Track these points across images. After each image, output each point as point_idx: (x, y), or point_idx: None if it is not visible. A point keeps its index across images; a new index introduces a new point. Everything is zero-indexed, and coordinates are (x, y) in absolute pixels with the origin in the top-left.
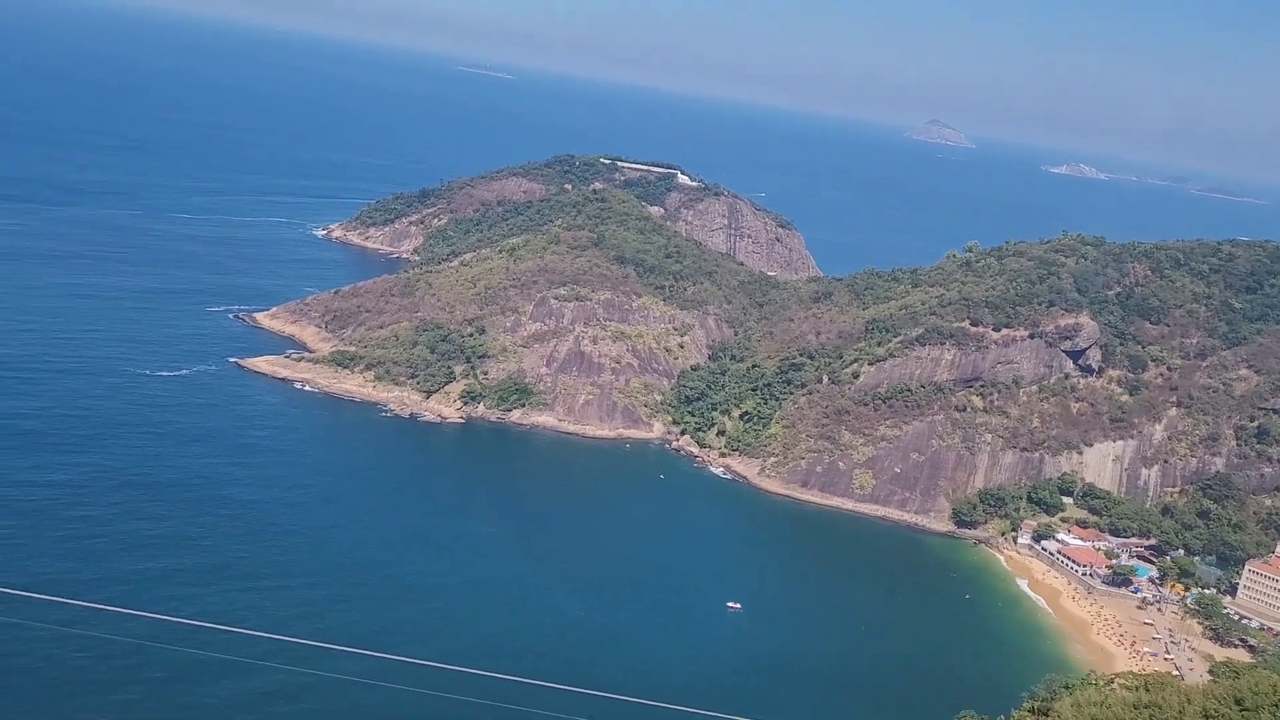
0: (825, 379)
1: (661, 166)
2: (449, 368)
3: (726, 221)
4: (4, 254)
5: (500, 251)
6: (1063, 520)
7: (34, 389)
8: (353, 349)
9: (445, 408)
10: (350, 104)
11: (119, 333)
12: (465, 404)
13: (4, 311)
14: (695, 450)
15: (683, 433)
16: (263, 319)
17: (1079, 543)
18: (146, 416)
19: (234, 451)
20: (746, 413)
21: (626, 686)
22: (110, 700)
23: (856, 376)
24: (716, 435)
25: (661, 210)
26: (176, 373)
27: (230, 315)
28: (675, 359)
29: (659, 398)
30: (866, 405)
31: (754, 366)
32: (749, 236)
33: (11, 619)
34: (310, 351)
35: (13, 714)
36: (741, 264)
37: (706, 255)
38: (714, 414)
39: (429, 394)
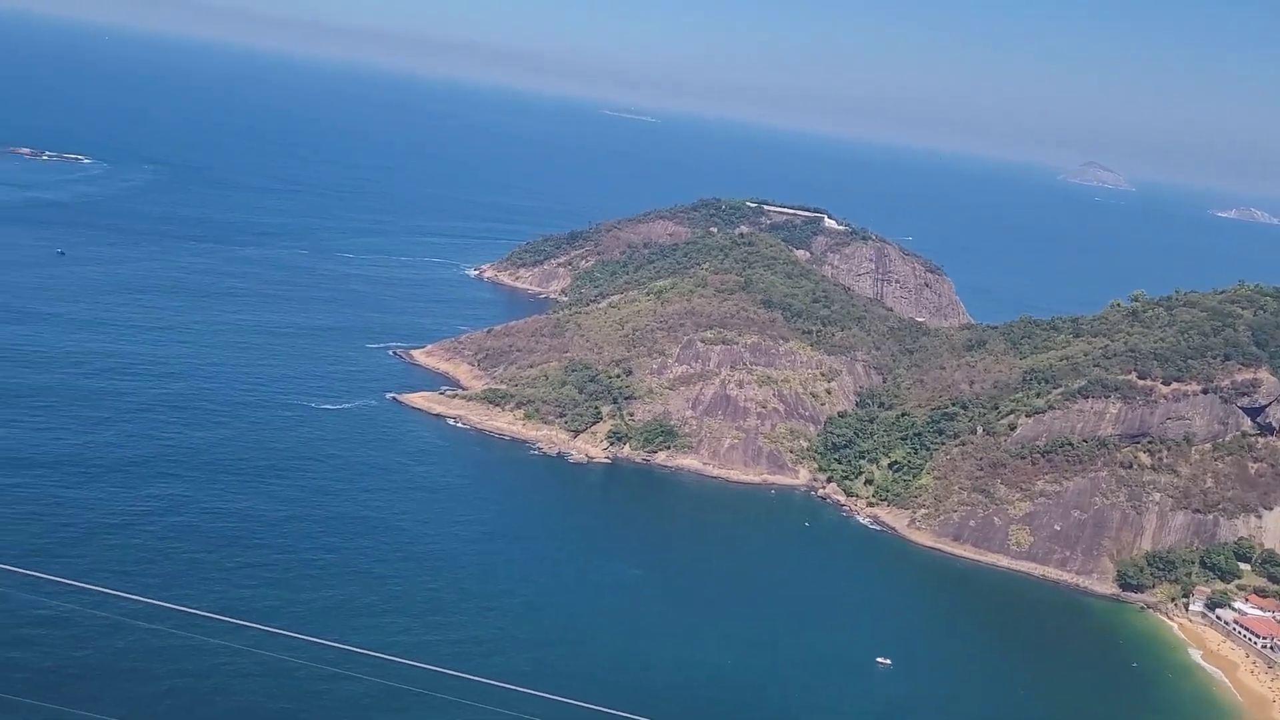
0: (980, 430)
1: (808, 210)
2: (596, 408)
3: (874, 266)
4: (191, 292)
5: (648, 294)
6: (1239, 588)
7: (216, 420)
8: (504, 387)
9: (592, 448)
10: (500, 148)
11: (290, 367)
12: (611, 444)
13: (190, 347)
14: (842, 499)
15: (829, 480)
16: (419, 356)
17: (1258, 613)
18: (315, 449)
19: (395, 485)
20: (896, 462)
21: None
22: None
23: (1013, 428)
24: (864, 484)
25: (808, 254)
26: (340, 406)
27: (389, 352)
28: (822, 405)
29: (805, 444)
30: (1024, 458)
31: (904, 415)
32: (897, 281)
33: (206, 639)
34: (463, 388)
35: None
36: (890, 309)
37: (855, 300)
38: (862, 462)
39: (576, 433)
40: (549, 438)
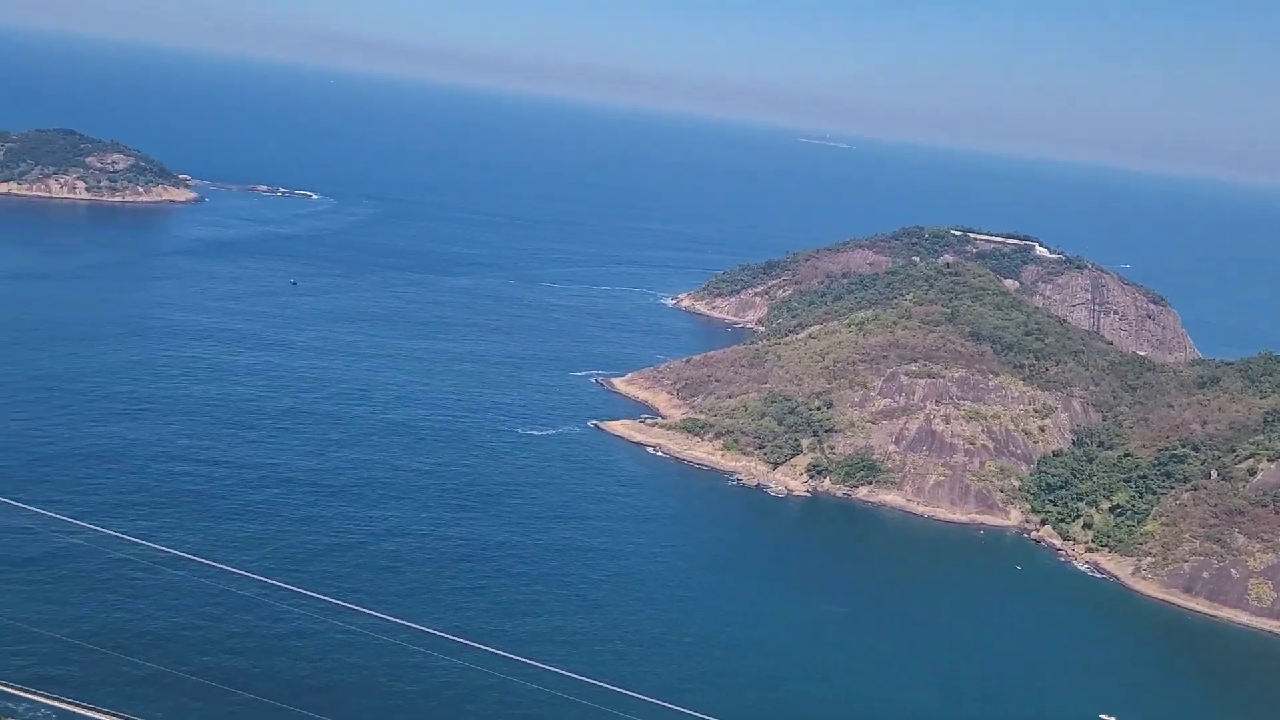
0: (1214, 474)
1: (1017, 238)
2: (796, 440)
3: (1090, 296)
4: (409, 321)
5: (849, 325)
6: None
7: (436, 445)
8: (702, 417)
9: (791, 480)
10: (696, 178)
11: (500, 394)
12: (811, 478)
13: (409, 374)
14: (1057, 543)
15: (1043, 522)
16: (619, 384)
17: None
18: (523, 475)
19: (599, 513)
20: (1118, 505)
21: None
22: None
23: (1253, 474)
24: (1082, 528)
25: (1017, 284)
26: (545, 432)
27: (591, 380)
28: (1035, 443)
29: (1016, 483)
30: (1265, 507)
31: (1126, 455)
32: (1116, 313)
33: (435, 655)
34: (663, 417)
35: None
36: (1110, 343)
37: (1071, 333)
38: (1079, 504)
39: (775, 465)
40: (748, 469)
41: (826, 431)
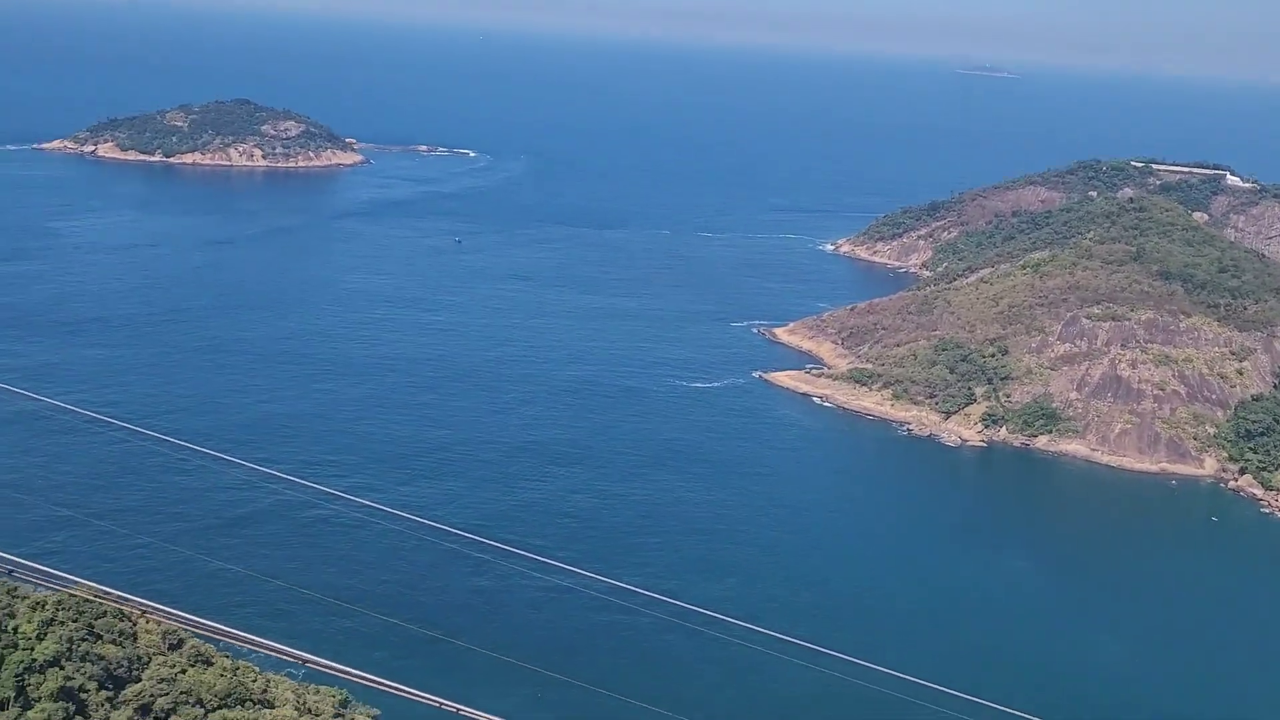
0: None
1: (1206, 168)
2: (969, 389)
3: None
4: (572, 278)
5: (1024, 267)
6: None
7: (603, 403)
8: (870, 366)
9: (965, 430)
10: (845, 115)
11: (665, 349)
12: (986, 427)
13: (577, 332)
14: (1259, 493)
15: (1242, 471)
16: (781, 334)
17: None
18: (698, 431)
19: (773, 466)
20: None
21: None
22: None
23: None
24: None
25: (1206, 217)
26: (711, 385)
27: (753, 330)
28: (1232, 387)
29: (1212, 430)
30: None
31: None
32: None
33: (641, 609)
34: (828, 367)
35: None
36: None
37: (1271, 268)
38: None
39: (948, 415)
40: (919, 419)
41: (1002, 379)
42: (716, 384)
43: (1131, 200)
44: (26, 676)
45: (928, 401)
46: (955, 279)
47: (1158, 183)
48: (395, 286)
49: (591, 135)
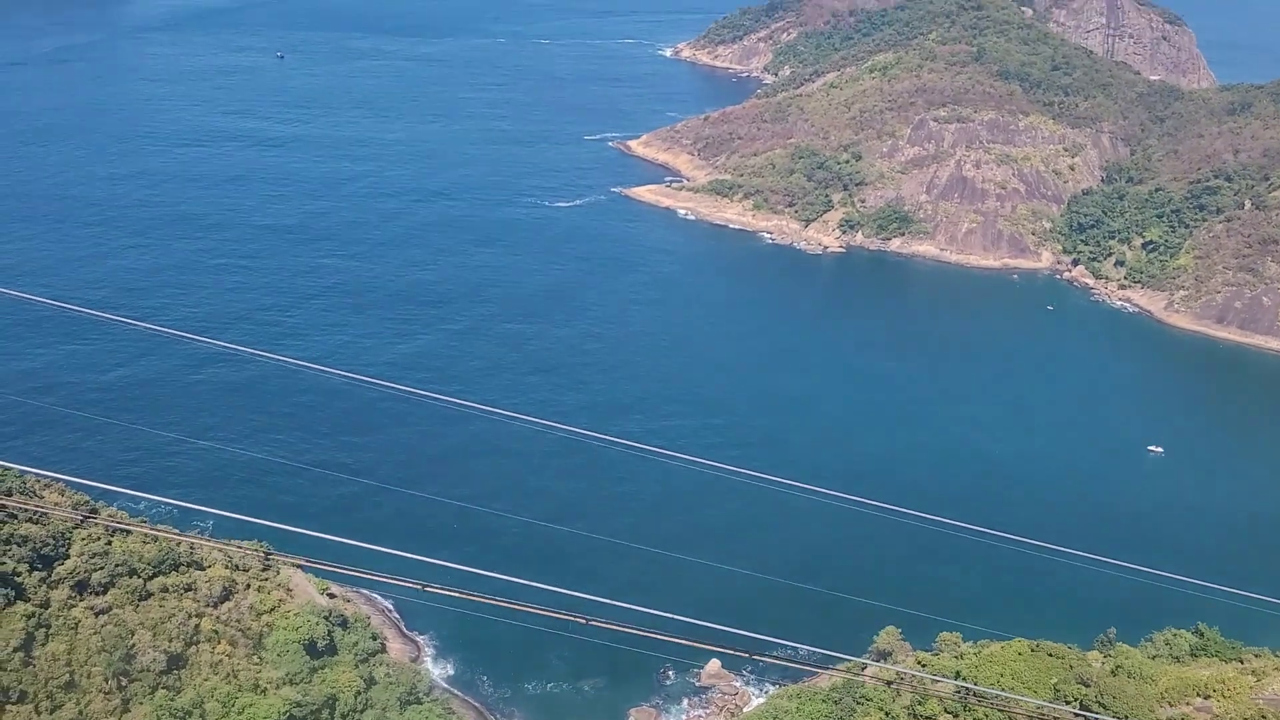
0: (1248, 204)
1: None
2: (826, 196)
3: (1104, 20)
4: (406, 98)
5: (870, 71)
6: None
7: (476, 233)
8: (729, 177)
9: (825, 236)
10: None
11: (516, 169)
12: (844, 233)
13: (425, 163)
14: (1090, 282)
15: (1075, 263)
16: (636, 146)
17: None
18: (565, 248)
19: (646, 281)
20: (1150, 241)
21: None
22: None
23: None
24: (1114, 266)
25: (1030, 11)
26: (573, 203)
27: (607, 144)
28: (1065, 183)
29: (1048, 225)
30: None
31: (1158, 190)
32: (1130, 36)
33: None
34: (686, 179)
35: None
36: (1138, 74)
37: (1099, 65)
38: (1111, 243)
39: (808, 223)
40: (780, 228)
41: (857, 185)
42: (578, 201)
43: None
44: None
45: (788, 210)
46: (803, 84)
47: None
48: (224, 118)
49: None
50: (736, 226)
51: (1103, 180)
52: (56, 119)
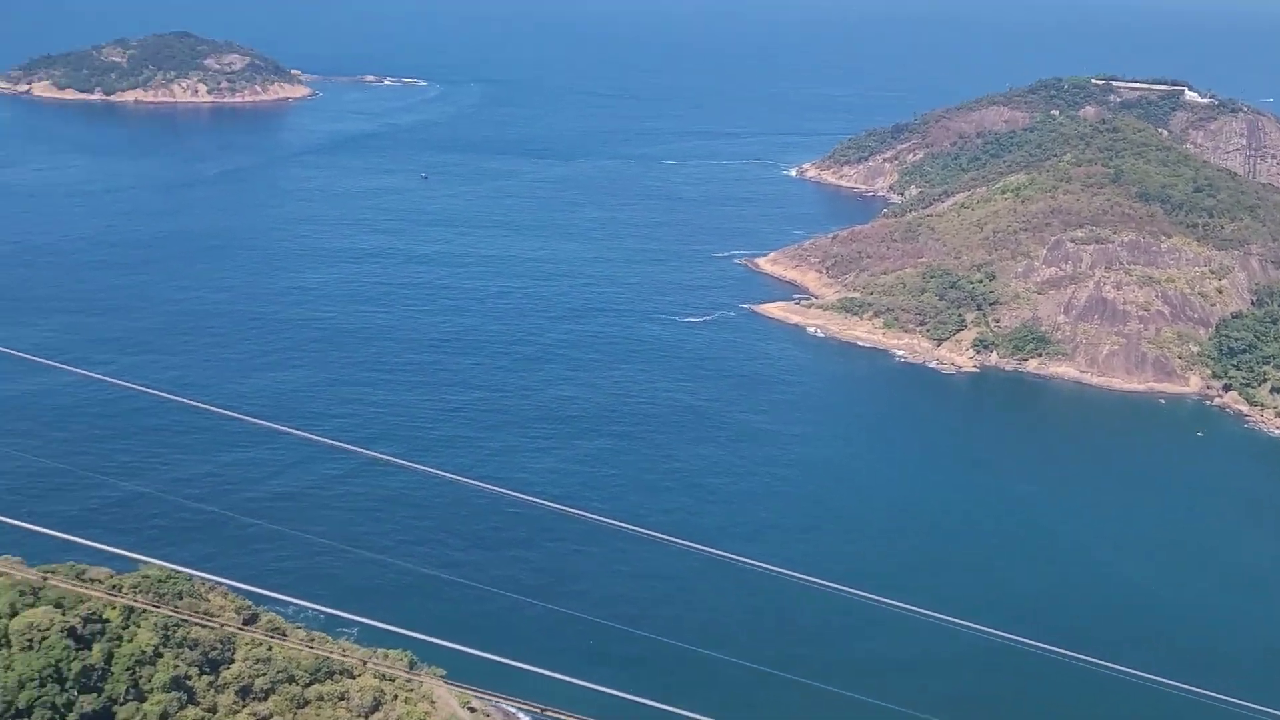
0: None
1: (1165, 84)
2: (959, 315)
3: (1245, 141)
4: (542, 212)
5: (1003, 192)
6: None
7: (606, 347)
8: (858, 295)
9: (958, 356)
10: (791, 36)
11: (646, 284)
12: (978, 352)
13: (559, 275)
14: (1244, 408)
15: (1226, 388)
16: (764, 264)
17: None
18: (698, 364)
19: (778, 397)
20: None
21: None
22: None
23: None
24: (1270, 393)
25: (1166, 133)
26: (701, 318)
27: (734, 261)
28: (1213, 306)
29: (1195, 349)
30: None
31: None
32: (1273, 157)
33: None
34: (815, 297)
35: None
36: None
37: (1244, 186)
38: (1266, 368)
39: (940, 341)
40: (911, 346)
41: (990, 304)
42: (707, 317)
43: (1105, 121)
44: (137, 669)
45: (919, 329)
46: (932, 204)
47: (1118, 100)
48: (373, 236)
49: (542, 58)
50: (867, 344)
51: (1253, 304)
52: (220, 239)
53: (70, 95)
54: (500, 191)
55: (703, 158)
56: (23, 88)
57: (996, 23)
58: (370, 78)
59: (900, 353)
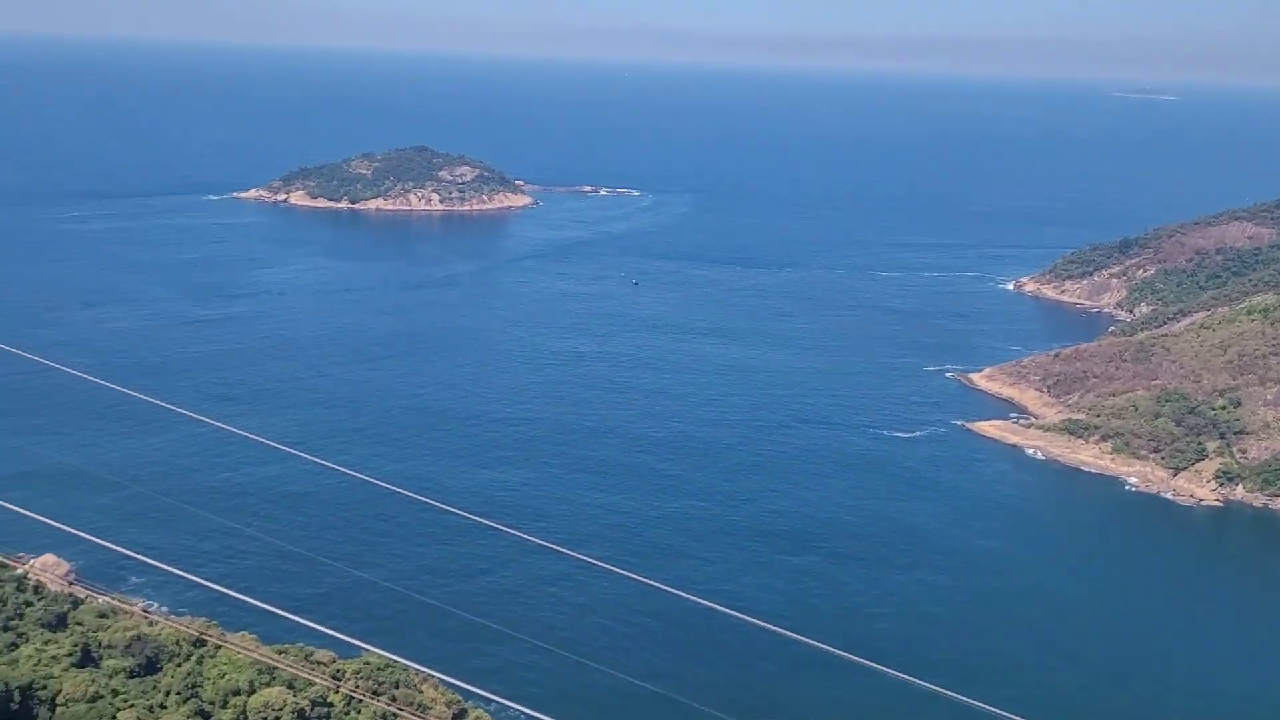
0: None
1: None
2: (1199, 443)
3: None
4: (750, 318)
5: (1249, 312)
6: None
7: (815, 467)
8: (1083, 417)
9: (1197, 488)
10: (1004, 143)
11: (853, 395)
12: (1221, 485)
13: (767, 382)
14: None
15: None
16: (978, 380)
17: None
18: (903, 484)
19: (996, 526)
20: None
21: None
22: None
23: None
24: None
25: None
26: (911, 434)
27: (946, 375)
28: None
29: None
30: None
31: None
32: None
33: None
34: (1034, 416)
35: None
36: None
37: None
38: None
39: (1176, 471)
40: (1144, 474)
41: (1236, 433)
42: (917, 433)
43: None
44: None
45: (1152, 456)
46: (1166, 324)
47: None
48: (587, 340)
49: (752, 169)
50: (1093, 469)
51: None
52: (444, 339)
53: (321, 203)
54: (709, 299)
55: (913, 269)
56: (281, 196)
57: (1229, 132)
58: (587, 188)
59: (1132, 481)
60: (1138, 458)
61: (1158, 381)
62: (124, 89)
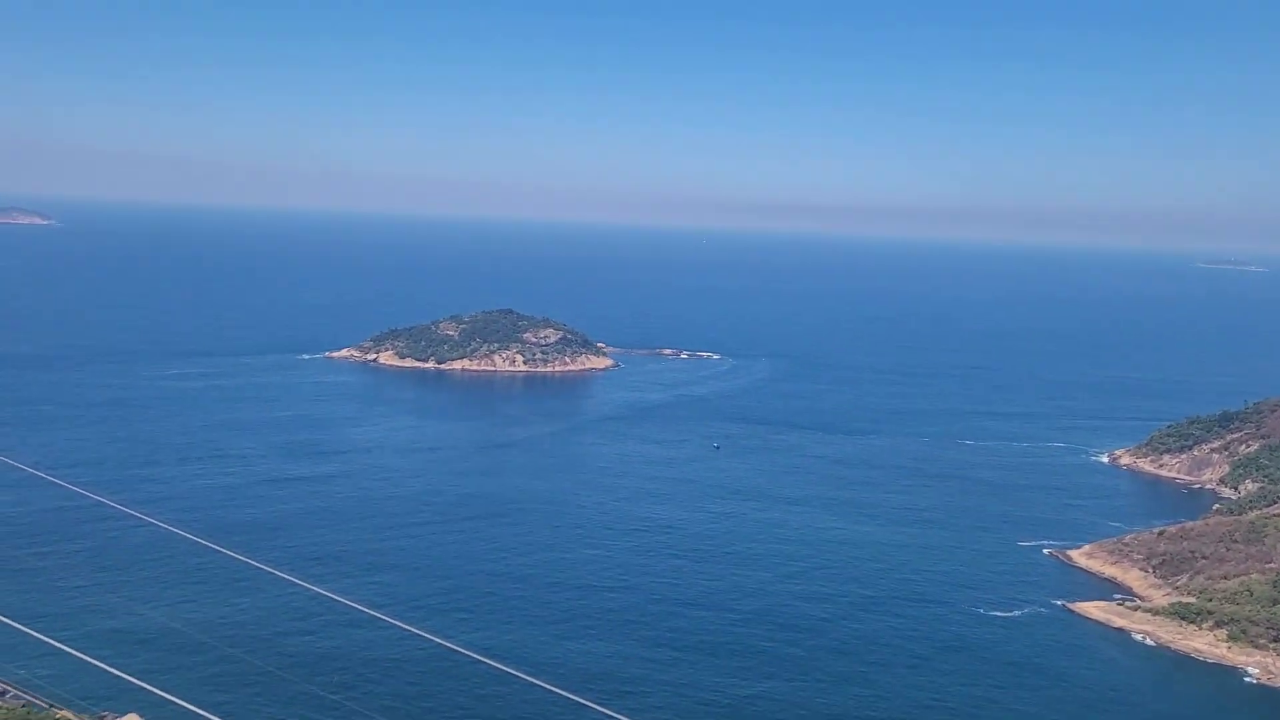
0: None
1: None
2: None
3: None
4: (834, 488)
5: None
6: None
7: (911, 648)
8: (1193, 600)
9: None
10: (1095, 315)
11: (946, 569)
12: None
13: (857, 554)
14: None
15: None
16: (1077, 557)
17: None
18: (1002, 668)
19: (1110, 715)
20: None
21: None
22: None
23: None
24: None
25: None
26: (1009, 614)
27: (1043, 551)
28: None
29: None
30: None
31: None
32: None
33: None
34: (1139, 598)
35: None
36: None
37: None
38: None
39: None
40: (1265, 666)
41: None
42: (1015, 613)
43: None
44: None
45: (1273, 646)
46: (1276, 502)
47: None
48: (667, 507)
49: (831, 334)
50: (1208, 658)
51: None
52: (522, 503)
53: (409, 363)
54: (792, 465)
55: (1000, 438)
56: (371, 356)
57: None
58: (668, 351)
59: (1252, 672)
60: (1256, 647)
61: (1273, 564)
62: (225, 253)
